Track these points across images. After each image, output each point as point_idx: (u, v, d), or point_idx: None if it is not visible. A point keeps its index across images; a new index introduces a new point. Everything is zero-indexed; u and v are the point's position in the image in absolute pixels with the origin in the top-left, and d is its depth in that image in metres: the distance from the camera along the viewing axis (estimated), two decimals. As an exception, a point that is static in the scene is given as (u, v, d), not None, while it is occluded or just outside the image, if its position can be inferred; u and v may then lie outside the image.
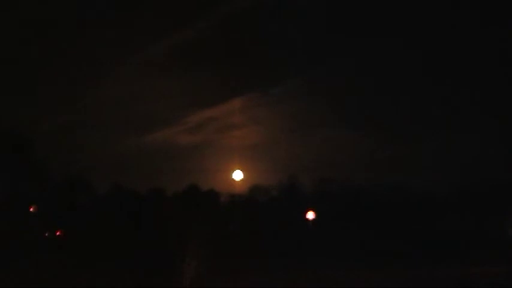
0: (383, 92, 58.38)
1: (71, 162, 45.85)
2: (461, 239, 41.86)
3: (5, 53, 50.25)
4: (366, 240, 41.73)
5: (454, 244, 41.39)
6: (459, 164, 50.65)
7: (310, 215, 47.07)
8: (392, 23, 57.93)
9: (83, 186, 44.95)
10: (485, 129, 52.48)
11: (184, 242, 39.98)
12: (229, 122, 59.03)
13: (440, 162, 51.69)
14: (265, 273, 35.26)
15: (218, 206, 48.77)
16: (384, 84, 58.05)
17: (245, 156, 53.04)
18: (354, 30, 58.34)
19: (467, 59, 56.20)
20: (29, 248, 37.63)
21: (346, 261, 37.82)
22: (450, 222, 43.94)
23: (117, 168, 49.25)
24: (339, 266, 37.10)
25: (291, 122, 59.42)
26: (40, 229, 42.11)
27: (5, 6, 49.67)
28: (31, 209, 42.39)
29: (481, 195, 45.29)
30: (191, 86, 58.35)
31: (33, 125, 47.18)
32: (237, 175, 47.80)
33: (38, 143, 43.58)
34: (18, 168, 40.98)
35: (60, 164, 44.51)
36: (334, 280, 32.95)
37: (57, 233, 42.93)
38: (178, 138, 57.01)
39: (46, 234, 43.04)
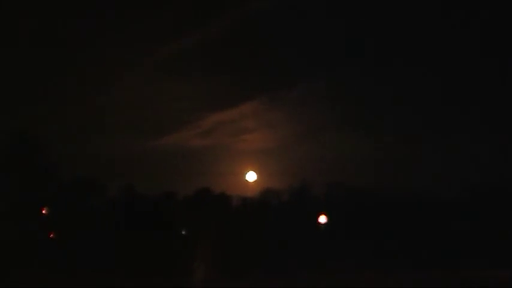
0: (397, 94, 58.02)
1: (82, 165, 46.10)
2: (470, 242, 41.74)
3: (16, 55, 50.71)
4: (376, 242, 41.67)
5: (463, 246, 41.30)
6: (472, 165, 50.24)
7: (322, 219, 46.95)
8: (397, 25, 57.77)
9: (94, 189, 45.25)
10: (492, 131, 52.01)
11: (194, 244, 40.35)
12: (242, 126, 59.10)
13: (452, 164, 51.26)
14: (272, 275, 35.44)
15: (229, 209, 48.79)
16: (399, 85, 57.69)
17: (257, 159, 53.00)
18: (362, 32, 58.12)
19: (473, 59, 55.78)
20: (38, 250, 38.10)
21: (357, 264, 37.90)
22: (461, 225, 43.61)
23: (129, 170, 49.39)
24: (350, 268, 37.21)
25: (303, 125, 59.26)
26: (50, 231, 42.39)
27: (15, 8, 50.15)
28: (43, 211, 42.78)
29: (492, 196, 45.17)
30: (203, 89, 58.48)
31: (45, 127, 47.42)
32: (250, 176, 48.05)
33: (50, 145, 44.07)
34: (29, 170, 41.42)
35: (71, 166, 44.87)
36: (343, 281, 33.03)
37: (50, 235, 43.03)
38: (191, 142, 57.21)
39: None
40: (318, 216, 46.88)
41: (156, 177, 50.26)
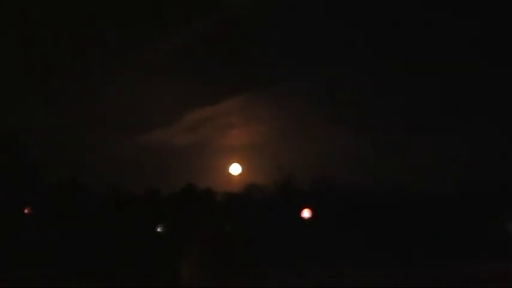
0: (384, 92, 58.04)
1: (65, 164, 45.62)
2: (465, 239, 42.27)
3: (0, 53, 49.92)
4: (364, 240, 41.85)
5: (458, 243, 41.85)
6: (460, 163, 50.65)
7: (306, 213, 47.05)
8: (393, 22, 57.78)
9: (77, 188, 44.83)
10: (485, 129, 52.42)
11: (179, 242, 40.22)
12: (228, 121, 58.71)
13: (440, 162, 51.66)
14: (260, 273, 35.43)
15: (214, 205, 48.69)
16: (385, 83, 57.73)
17: (242, 155, 52.88)
18: (355, 29, 58.06)
19: (470, 58, 56.06)
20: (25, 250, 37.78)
21: (343, 261, 37.99)
22: (452, 222, 44.15)
23: (113, 169, 48.94)
24: (334, 265, 37.32)
25: (290, 121, 58.98)
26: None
27: (5, 6, 49.32)
28: (25, 211, 42.32)
29: (483, 194, 45.86)
30: (188, 86, 57.76)
31: (26, 126, 46.71)
32: (235, 169, 48.01)
33: (32, 144, 43.71)
34: (11, 170, 40.97)
35: (54, 165, 44.39)
36: (330, 279, 33.10)
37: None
38: (175, 138, 56.68)
39: None
40: (302, 210, 46.99)
41: (141, 174, 49.90)
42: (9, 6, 50.10)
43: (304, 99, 58.06)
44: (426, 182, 47.67)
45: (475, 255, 38.85)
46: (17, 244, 38.10)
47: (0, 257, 35.23)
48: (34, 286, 31.09)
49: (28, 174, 41.90)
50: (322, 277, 33.55)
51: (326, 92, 57.75)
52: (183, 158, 54.24)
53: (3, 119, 45.58)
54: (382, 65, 56.47)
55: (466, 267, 36.02)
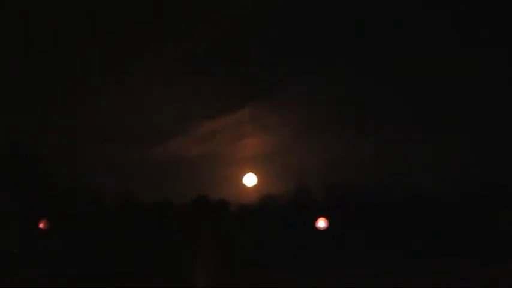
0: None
1: (77, 175, 46.40)
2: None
3: (7, 62, 50.88)
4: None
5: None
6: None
7: (322, 223, 47.05)
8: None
9: (89, 199, 45.61)
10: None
11: (192, 253, 40.59)
12: (239, 131, 59.03)
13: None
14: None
15: (228, 216, 49.04)
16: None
17: (256, 164, 53.02)
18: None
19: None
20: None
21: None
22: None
23: (125, 179, 49.61)
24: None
25: (302, 128, 59.11)
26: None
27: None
28: (40, 225, 42.99)
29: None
30: (199, 96, 58.46)
31: (38, 137, 47.51)
32: (249, 179, 48.03)
33: (43, 155, 44.80)
34: (24, 181, 41.76)
35: (66, 176, 45.19)
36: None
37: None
38: (188, 149, 57.28)
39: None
40: (317, 220, 47.04)
41: (153, 185, 50.47)
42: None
43: (316, 105, 58.29)
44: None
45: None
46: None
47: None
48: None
49: (35, 182, 42.55)
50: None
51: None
52: (196, 169, 54.69)
53: (15, 132, 46.27)
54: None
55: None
